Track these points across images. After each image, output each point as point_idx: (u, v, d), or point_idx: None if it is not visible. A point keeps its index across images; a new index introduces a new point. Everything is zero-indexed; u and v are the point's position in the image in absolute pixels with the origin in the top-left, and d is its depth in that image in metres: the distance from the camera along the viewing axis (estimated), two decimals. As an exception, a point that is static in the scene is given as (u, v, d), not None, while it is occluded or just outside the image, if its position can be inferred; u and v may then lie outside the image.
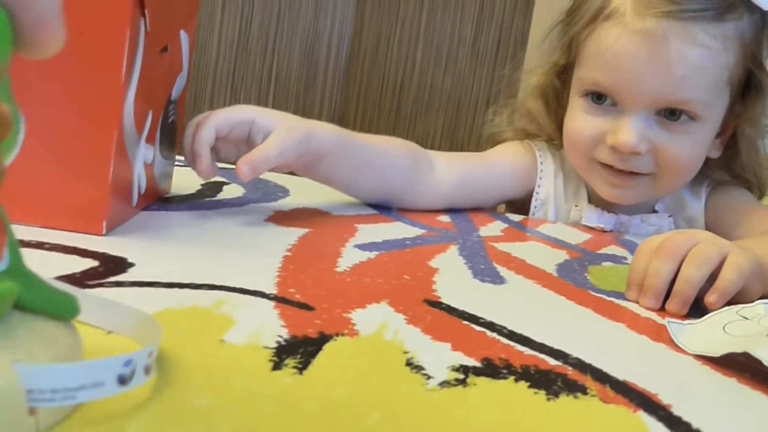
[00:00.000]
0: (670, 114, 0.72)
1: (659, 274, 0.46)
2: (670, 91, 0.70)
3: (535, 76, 0.92)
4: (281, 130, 0.53)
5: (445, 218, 0.66)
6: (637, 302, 0.46)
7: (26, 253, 0.36)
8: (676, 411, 0.29)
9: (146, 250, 0.41)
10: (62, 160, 0.41)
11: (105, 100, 0.40)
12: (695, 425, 0.28)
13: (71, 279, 0.34)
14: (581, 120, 0.78)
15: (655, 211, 0.83)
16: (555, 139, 0.87)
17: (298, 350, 0.29)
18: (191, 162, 0.51)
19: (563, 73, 0.86)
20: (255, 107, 0.55)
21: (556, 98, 0.88)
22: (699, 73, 0.69)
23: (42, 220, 0.41)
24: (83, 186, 0.41)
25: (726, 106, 0.74)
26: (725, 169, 0.84)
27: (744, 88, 0.75)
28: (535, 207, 0.87)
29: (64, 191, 0.41)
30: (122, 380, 0.21)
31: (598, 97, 0.76)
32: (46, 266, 0.34)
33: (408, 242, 0.53)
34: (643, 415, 0.28)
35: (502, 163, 0.85)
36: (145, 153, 0.47)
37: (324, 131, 0.58)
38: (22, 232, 0.39)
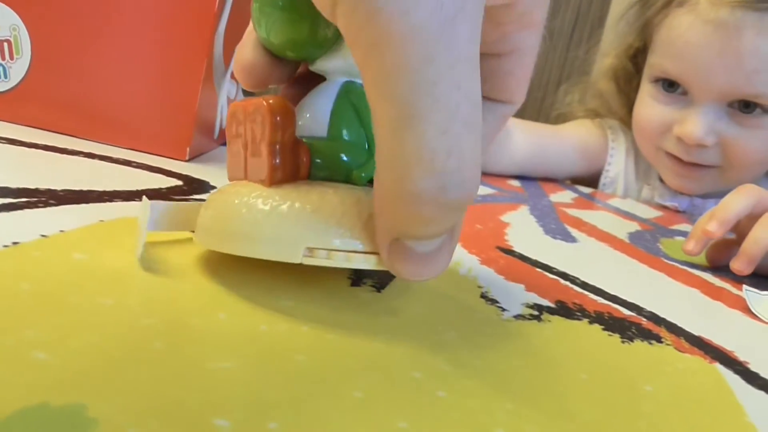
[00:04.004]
0: (745, 106, 0.69)
1: (760, 241, 0.44)
2: (741, 85, 0.68)
3: (608, 58, 0.90)
4: None
5: (515, 182, 0.65)
6: (691, 253, 0.45)
7: (114, 169, 0.37)
8: (753, 368, 0.29)
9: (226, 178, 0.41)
10: (152, 86, 0.42)
11: (197, 29, 0.41)
12: (773, 382, 0.28)
13: (158, 193, 0.35)
14: (650, 107, 0.76)
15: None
16: (625, 122, 0.86)
17: (374, 274, 0.29)
18: None
19: (636, 56, 0.84)
20: None
21: (628, 81, 0.86)
22: None
23: (130, 142, 0.42)
24: (171, 112, 0.42)
25: None
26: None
27: None
28: (604, 184, 0.86)
29: (152, 116, 0.42)
30: None
31: (670, 84, 0.74)
32: (134, 181, 0.35)
33: (479, 198, 0.53)
34: (719, 367, 0.28)
35: (573, 140, 0.84)
36: (229, 88, 0.47)
37: None
38: (110, 151, 0.41)
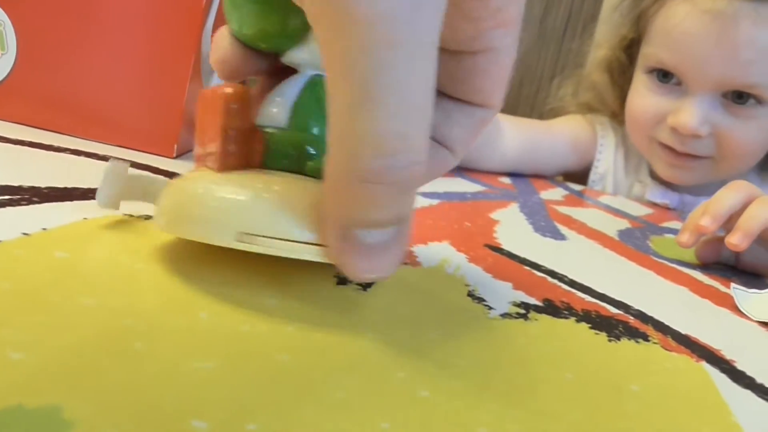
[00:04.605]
0: (738, 97, 0.70)
1: (756, 216, 0.44)
2: (736, 75, 0.68)
3: (602, 50, 0.90)
4: None
5: (505, 179, 0.65)
6: (684, 245, 0.45)
7: (100, 166, 0.37)
8: (740, 366, 0.29)
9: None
10: (140, 83, 0.42)
11: (185, 25, 0.41)
12: (759, 380, 0.28)
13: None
14: (644, 97, 0.76)
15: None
16: (618, 114, 0.86)
17: (362, 272, 0.29)
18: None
19: (630, 47, 0.84)
20: None
21: (622, 73, 0.86)
22: None
23: (117, 139, 0.42)
24: (158, 109, 0.42)
25: None
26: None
27: None
28: (593, 181, 0.86)
29: (139, 113, 0.42)
30: None
31: (664, 75, 0.74)
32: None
33: (469, 195, 0.53)
34: (706, 366, 0.28)
35: (564, 134, 0.84)
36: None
37: None
38: (97, 148, 0.40)
